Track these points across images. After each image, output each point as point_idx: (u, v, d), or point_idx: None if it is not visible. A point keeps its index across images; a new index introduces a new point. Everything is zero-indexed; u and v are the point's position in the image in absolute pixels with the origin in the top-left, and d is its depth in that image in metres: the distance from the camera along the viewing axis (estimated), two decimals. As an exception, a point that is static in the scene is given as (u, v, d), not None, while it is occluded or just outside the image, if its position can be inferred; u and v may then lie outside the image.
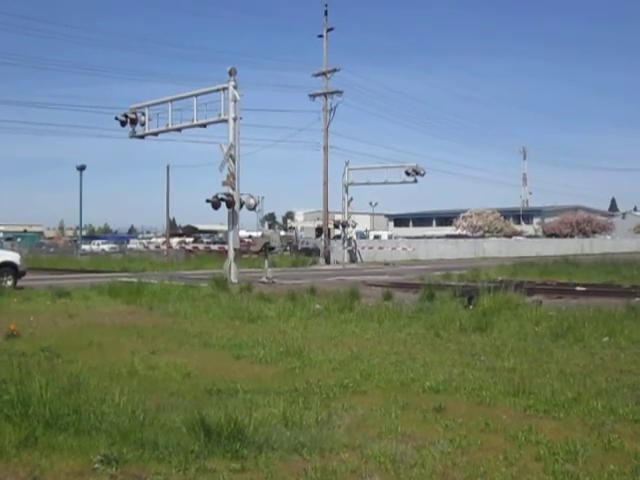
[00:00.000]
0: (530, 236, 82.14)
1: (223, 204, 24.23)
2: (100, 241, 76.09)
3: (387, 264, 41.07)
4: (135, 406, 5.72)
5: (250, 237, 51.41)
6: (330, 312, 13.40)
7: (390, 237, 72.56)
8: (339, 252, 43.55)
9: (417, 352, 9.13)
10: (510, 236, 77.03)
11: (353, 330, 11.29)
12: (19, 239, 67.60)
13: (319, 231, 50.72)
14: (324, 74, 43.29)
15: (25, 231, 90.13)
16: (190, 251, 53.12)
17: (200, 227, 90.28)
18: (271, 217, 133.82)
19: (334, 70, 43.26)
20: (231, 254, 24.53)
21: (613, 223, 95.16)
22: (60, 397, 5.63)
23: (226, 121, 24.92)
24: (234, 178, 24.37)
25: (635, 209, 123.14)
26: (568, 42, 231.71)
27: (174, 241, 62.96)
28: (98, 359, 8.51)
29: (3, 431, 5.10)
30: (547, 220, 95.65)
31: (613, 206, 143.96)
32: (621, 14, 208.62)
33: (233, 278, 23.11)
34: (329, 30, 43.88)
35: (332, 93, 42.98)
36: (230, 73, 24.70)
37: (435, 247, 53.38)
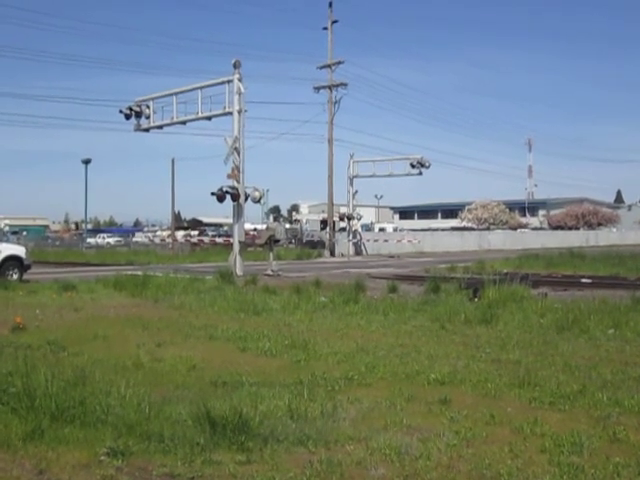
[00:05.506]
0: (535, 228, 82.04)
1: (228, 197, 24.20)
2: (105, 234, 76.25)
3: (392, 256, 41.06)
4: (141, 399, 5.74)
5: (255, 230, 51.33)
6: (335, 305, 13.40)
7: (395, 229, 72.62)
8: (344, 245, 43.53)
9: (422, 344, 9.12)
10: (515, 228, 76.91)
11: (358, 322, 11.29)
12: (25, 232, 67.82)
13: (324, 224, 50.78)
14: (329, 67, 43.17)
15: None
16: (195, 244, 53.21)
17: (205, 220, 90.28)
18: (276, 210, 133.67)
19: (339, 62, 43.16)
20: (236, 247, 24.54)
21: (619, 215, 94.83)
22: (66, 390, 5.65)
23: (231, 114, 24.86)
24: (239, 171, 24.34)
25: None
26: (573, 34, 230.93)
27: (179, 234, 62.97)
28: (104, 352, 8.54)
29: (9, 424, 5.12)
30: (552, 212, 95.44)
31: (619, 198, 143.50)
32: (628, 6, 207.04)
33: (238, 271, 23.13)
34: (334, 22, 43.74)
35: (337, 86, 42.87)
36: (235, 66, 24.62)
37: (440, 239, 53.29)
